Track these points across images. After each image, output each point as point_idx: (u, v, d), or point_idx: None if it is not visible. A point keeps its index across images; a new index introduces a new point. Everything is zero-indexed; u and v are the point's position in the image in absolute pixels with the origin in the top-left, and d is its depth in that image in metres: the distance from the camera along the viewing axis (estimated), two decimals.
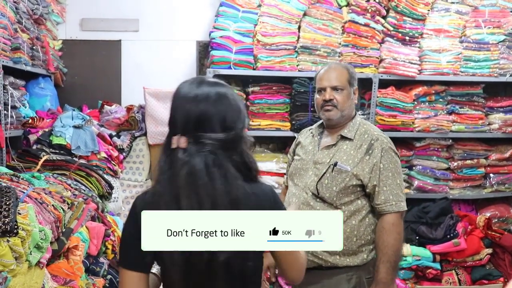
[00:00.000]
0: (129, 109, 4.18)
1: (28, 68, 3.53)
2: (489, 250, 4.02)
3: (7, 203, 1.90)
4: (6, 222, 1.83)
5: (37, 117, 3.64)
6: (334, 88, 2.49)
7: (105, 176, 3.51)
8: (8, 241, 1.84)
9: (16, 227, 1.88)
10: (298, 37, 4.10)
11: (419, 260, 3.92)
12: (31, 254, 2.00)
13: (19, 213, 1.97)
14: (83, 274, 2.60)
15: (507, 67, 4.33)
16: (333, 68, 2.57)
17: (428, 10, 4.28)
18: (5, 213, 1.86)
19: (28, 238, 1.95)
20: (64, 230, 2.48)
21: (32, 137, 3.49)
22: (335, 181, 2.41)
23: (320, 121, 2.66)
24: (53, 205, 2.45)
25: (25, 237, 1.93)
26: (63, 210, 2.50)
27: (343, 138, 2.49)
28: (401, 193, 2.46)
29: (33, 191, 2.41)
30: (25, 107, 3.59)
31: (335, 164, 2.42)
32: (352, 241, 2.42)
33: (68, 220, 2.58)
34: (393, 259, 2.41)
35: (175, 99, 1.59)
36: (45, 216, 2.31)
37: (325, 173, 2.43)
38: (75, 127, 3.62)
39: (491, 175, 4.41)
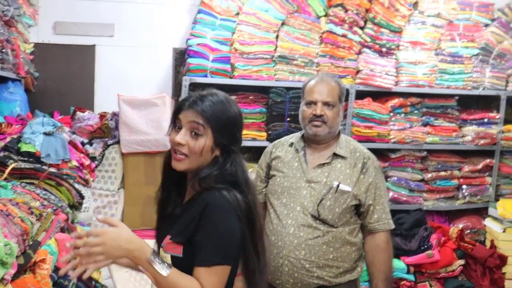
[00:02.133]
0: (102, 116, 4.09)
1: None
2: (462, 262, 4.05)
3: None
4: None
5: (5, 122, 3.52)
6: (326, 104, 2.42)
7: (75, 185, 3.40)
8: None
9: None
10: (276, 47, 4.09)
11: (394, 271, 3.90)
12: None
13: None
14: None
15: (480, 81, 4.42)
16: (325, 82, 2.48)
17: (405, 23, 4.34)
18: None
19: None
20: (31, 243, 2.37)
21: None
22: (337, 202, 2.35)
23: (300, 134, 2.56)
24: (20, 217, 2.34)
25: None
26: (30, 222, 2.39)
27: (336, 155, 2.42)
28: (389, 210, 2.47)
29: None
30: None
31: (338, 186, 2.35)
32: (351, 258, 2.40)
33: (36, 232, 2.48)
34: (389, 276, 2.47)
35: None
36: (11, 229, 2.21)
37: (326, 194, 2.35)
38: (45, 134, 3.49)
39: (464, 186, 4.47)
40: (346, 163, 2.41)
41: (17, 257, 2.16)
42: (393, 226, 2.47)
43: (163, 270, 1.54)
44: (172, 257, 1.63)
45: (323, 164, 2.41)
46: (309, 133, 2.45)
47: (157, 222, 1.87)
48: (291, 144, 2.54)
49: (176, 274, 1.56)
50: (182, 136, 1.66)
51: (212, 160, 1.71)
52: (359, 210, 2.42)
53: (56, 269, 2.67)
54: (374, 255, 2.43)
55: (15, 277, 2.20)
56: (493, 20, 4.55)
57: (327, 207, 2.33)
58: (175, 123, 1.72)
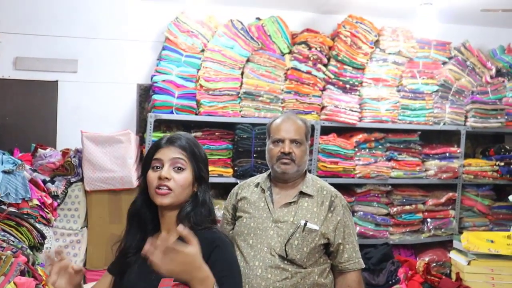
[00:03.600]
0: (65, 153, 4.01)
1: None
2: None
3: None
4: None
5: None
6: (293, 141, 2.41)
7: (37, 225, 3.32)
8: None
9: None
10: (241, 83, 4.12)
11: None
12: None
13: None
14: None
15: (441, 116, 4.52)
16: (292, 120, 2.48)
17: (367, 60, 4.43)
18: None
19: None
20: None
21: None
22: (305, 241, 2.30)
23: (266, 174, 2.54)
24: None
25: None
26: None
27: (303, 194, 2.40)
28: (358, 249, 2.44)
29: None
30: None
31: (305, 225, 2.31)
32: None
33: None
34: None
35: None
36: None
37: (293, 233, 2.30)
38: (4, 172, 3.43)
39: (429, 220, 4.52)
40: (313, 202, 2.39)
41: None
42: (363, 266, 2.44)
43: None
44: None
45: (290, 203, 2.38)
46: (277, 171, 2.42)
47: (118, 269, 1.82)
48: (257, 185, 2.50)
49: None
50: (166, 171, 1.72)
51: (191, 196, 1.76)
52: (328, 250, 2.38)
53: None
54: None
55: None
56: (450, 58, 4.68)
57: (294, 246, 2.29)
58: (151, 164, 1.76)
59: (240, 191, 2.53)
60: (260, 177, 2.54)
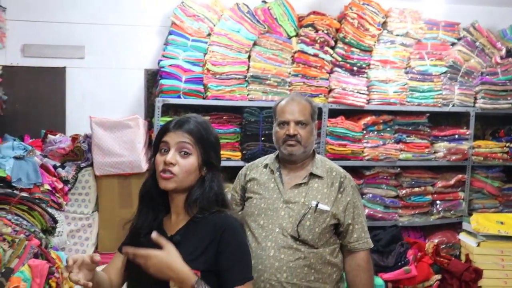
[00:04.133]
0: (74, 138, 4.06)
1: None
2: (438, 276, 4.06)
3: None
4: None
5: None
6: (298, 123, 2.43)
7: (48, 209, 3.37)
8: None
9: None
10: (248, 67, 4.12)
11: None
12: None
13: None
14: None
15: (450, 98, 4.50)
16: (296, 101, 2.49)
17: (375, 42, 4.42)
18: None
19: None
20: (3, 270, 2.35)
21: None
22: (317, 222, 2.34)
23: (274, 155, 2.56)
24: None
25: None
26: (2, 249, 2.35)
27: (313, 175, 2.42)
28: (367, 229, 2.49)
29: None
30: None
31: (316, 205, 2.34)
32: (332, 279, 2.40)
33: (8, 259, 2.44)
34: None
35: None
36: None
37: (305, 214, 2.33)
38: (16, 158, 3.48)
39: (438, 202, 4.53)
40: (323, 183, 2.41)
41: None
42: (372, 245, 2.48)
43: None
44: None
45: (300, 184, 2.41)
46: (284, 153, 2.45)
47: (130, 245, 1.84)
48: (266, 166, 2.52)
49: None
50: (172, 155, 1.72)
51: (198, 180, 1.77)
52: (338, 230, 2.42)
53: None
54: (355, 275, 2.44)
55: None
56: (459, 39, 4.66)
57: (306, 227, 2.32)
58: (159, 147, 1.78)
59: (248, 172, 2.55)
60: (269, 158, 2.57)
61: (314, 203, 2.35)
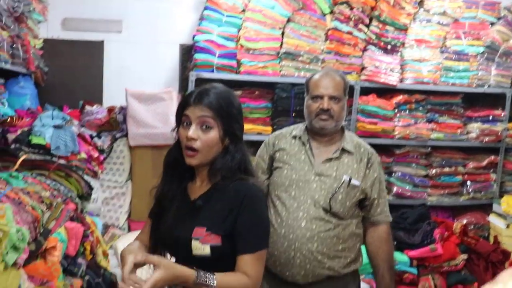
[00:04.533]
0: (110, 110, 4.14)
1: (8, 67, 3.46)
2: (465, 256, 4.04)
3: None
4: None
5: (16, 116, 3.57)
6: (332, 98, 2.42)
7: (84, 176, 3.45)
8: None
9: None
10: (282, 43, 4.12)
11: (397, 264, 3.93)
12: (7, 254, 1.96)
13: None
14: (60, 275, 2.56)
15: (486, 78, 4.43)
16: (330, 76, 2.48)
17: (410, 21, 4.37)
18: None
19: (4, 238, 1.92)
20: (42, 230, 2.43)
21: (10, 136, 3.41)
22: (348, 196, 2.38)
23: (303, 126, 2.56)
24: (31, 206, 2.40)
25: (1, 238, 1.90)
26: (41, 211, 2.45)
27: (344, 151, 2.45)
28: (388, 204, 2.54)
29: (11, 191, 2.37)
30: (4, 106, 3.54)
31: (350, 180, 2.39)
32: (356, 248, 2.46)
33: (46, 221, 2.54)
34: (393, 266, 2.55)
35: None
36: (23, 217, 2.27)
37: (338, 188, 2.37)
38: (55, 127, 3.52)
39: (468, 183, 4.50)
40: (353, 158, 2.44)
41: (28, 243, 2.23)
42: (391, 219, 2.54)
43: (211, 282, 1.65)
44: (212, 246, 1.71)
45: (331, 159, 2.43)
46: (315, 127, 2.45)
47: (159, 215, 1.90)
48: (295, 137, 2.53)
49: (222, 278, 1.67)
50: (193, 131, 1.72)
51: (223, 150, 1.78)
52: (363, 204, 2.46)
53: (66, 256, 2.76)
54: (378, 246, 2.49)
55: (26, 262, 2.28)
56: (499, 18, 4.55)
57: (339, 200, 2.36)
58: (182, 120, 1.78)
59: (277, 142, 2.56)
60: (298, 129, 2.56)
61: (346, 177, 2.38)
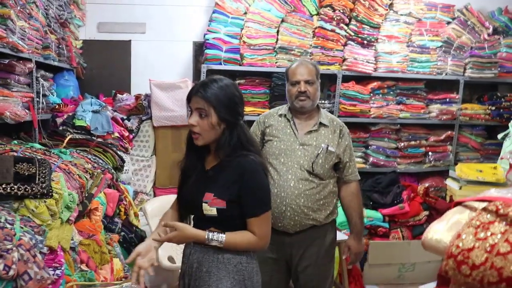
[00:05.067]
0: (137, 97, 4.15)
1: (55, 63, 3.48)
2: (427, 212, 4.10)
3: (43, 171, 1.90)
4: (43, 187, 1.84)
5: (63, 103, 3.61)
6: (307, 82, 2.46)
7: (118, 152, 3.49)
8: (45, 201, 1.85)
9: (51, 191, 1.89)
10: (277, 39, 4.11)
11: (372, 220, 4.00)
12: (62, 212, 2.01)
13: (53, 180, 1.98)
14: (102, 231, 2.62)
15: (443, 68, 4.43)
16: (304, 64, 2.52)
17: (382, 20, 4.35)
18: (42, 179, 1.86)
19: (60, 199, 1.97)
20: (86, 195, 2.49)
21: (59, 120, 3.46)
22: (326, 160, 2.44)
23: (286, 107, 2.59)
24: (78, 175, 2.45)
25: (58, 199, 1.94)
26: (86, 178, 2.49)
27: (321, 124, 2.49)
28: (356, 166, 2.61)
29: (62, 163, 2.41)
30: (53, 95, 3.55)
31: (327, 148, 2.44)
32: (333, 203, 2.52)
33: (89, 187, 2.58)
34: (362, 215, 2.61)
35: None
36: (72, 183, 2.32)
37: (318, 154, 2.43)
38: (93, 111, 3.59)
39: (430, 153, 4.52)
40: (328, 130, 2.49)
41: (77, 204, 2.28)
42: (359, 178, 2.60)
43: (220, 240, 1.72)
44: (218, 208, 1.74)
45: (311, 131, 2.48)
46: (296, 106, 2.50)
47: (181, 182, 1.93)
48: (281, 115, 2.57)
49: (231, 236, 1.74)
50: (193, 119, 1.75)
51: (222, 132, 1.78)
52: (337, 166, 2.52)
53: (105, 216, 2.80)
54: (350, 200, 2.56)
55: (76, 220, 2.33)
56: (453, 18, 4.53)
57: (319, 164, 2.42)
58: (189, 109, 1.81)
59: (266, 120, 2.59)
60: (283, 109, 2.59)
61: (324, 146, 2.43)
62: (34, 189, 1.80)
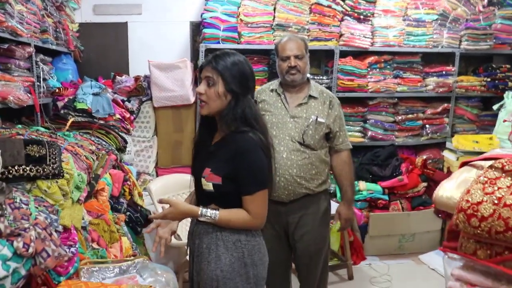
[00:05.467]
0: (136, 78, 4.13)
1: (53, 47, 3.46)
2: (425, 184, 4.18)
3: (54, 153, 1.92)
4: (54, 167, 1.86)
5: (62, 87, 3.60)
6: (296, 56, 2.51)
7: (120, 133, 3.48)
8: (56, 182, 1.87)
9: (62, 171, 1.92)
10: (274, 17, 4.09)
11: (372, 193, 4.06)
12: (73, 193, 2.04)
13: (62, 161, 2.00)
14: (109, 210, 2.65)
15: (439, 41, 4.43)
16: (293, 40, 2.56)
17: None
18: (53, 160, 1.88)
19: (71, 180, 1.99)
20: (93, 175, 2.50)
21: (60, 104, 3.46)
22: (316, 131, 2.50)
23: (277, 82, 2.64)
24: (85, 156, 2.46)
25: (69, 179, 1.96)
26: (93, 159, 2.51)
27: (311, 97, 2.55)
28: (347, 135, 2.69)
29: (69, 145, 2.42)
30: (53, 79, 3.54)
31: (316, 119, 2.50)
32: (325, 172, 2.60)
33: (95, 168, 2.60)
34: (353, 183, 2.71)
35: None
36: (79, 164, 2.32)
37: (308, 125, 2.49)
38: (94, 94, 3.56)
39: (427, 126, 4.55)
40: (318, 102, 2.55)
41: (86, 185, 2.31)
42: (351, 146, 2.67)
43: (212, 217, 1.76)
44: (214, 184, 1.78)
45: (301, 104, 2.54)
46: (287, 80, 2.55)
47: (194, 158, 1.97)
48: (272, 90, 2.62)
49: (224, 214, 1.77)
50: (201, 86, 1.81)
51: (228, 104, 1.80)
52: (328, 136, 2.59)
53: (111, 197, 2.83)
54: (341, 168, 2.64)
55: (85, 200, 2.36)
56: None
57: (309, 135, 2.49)
58: (198, 79, 1.84)
59: (259, 95, 2.64)
60: (274, 84, 2.65)
61: (314, 117, 2.50)
62: (45, 170, 1.82)
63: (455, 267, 1.33)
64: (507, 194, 1.21)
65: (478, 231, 1.24)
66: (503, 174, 1.27)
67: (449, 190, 1.41)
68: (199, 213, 1.77)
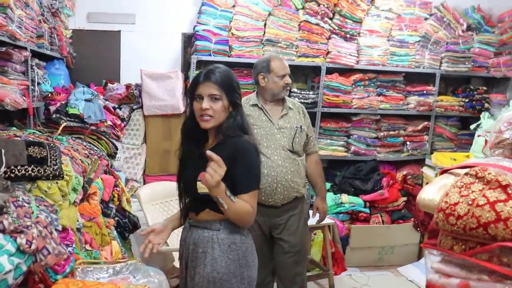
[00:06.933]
0: (128, 86, 4.16)
1: (48, 52, 3.48)
2: (405, 198, 4.29)
3: (54, 154, 1.96)
4: (55, 169, 1.90)
5: (55, 92, 3.61)
6: (290, 76, 2.80)
7: (111, 140, 3.51)
8: (57, 183, 1.91)
9: (62, 173, 1.96)
10: (264, 32, 4.17)
11: (354, 206, 4.16)
12: (70, 194, 2.07)
13: (62, 163, 2.04)
14: (101, 214, 2.67)
15: (421, 61, 4.56)
16: (283, 59, 2.84)
17: (364, 15, 4.44)
18: (54, 162, 1.92)
19: (70, 181, 2.03)
20: (87, 179, 2.53)
21: (52, 108, 3.45)
22: (301, 138, 2.75)
23: (254, 96, 2.82)
24: (80, 159, 2.50)
25: (68, 180, 2.01)
26: (88, 163, 2.54)
27: (289, 108, 2.78)
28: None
29: (65, 148, 2.46)
30: (47, 84, 3.56)
31: (301, 127, 2.74)
32: (304, 174, 2.84)
33: (88, 172, 2.63)
34: (324, 179, 3.01)
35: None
36: (75, 168, 2.35)
37: (295, 134, 2.72)
38: (86, 100, 3.55)
39: (408, 142, 4.65)
40: (295, 112, 2.81)
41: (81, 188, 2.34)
42: (318, 149, 3.01)
43: (233, 199, 1.78)
44: None
45: (283, 115, 2.77)
46: (281, 95, 2.78)
47: (180, 169, 1.99)
48: (253, 105, 2.78)
49: (239, 201, 1.81)
50: (206, 103, 1.83)
51: (228, 115, 1.88)
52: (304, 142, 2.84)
53: (101, 201, 2.84)
54: (314, 168, 2.93)
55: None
56: (431, 15, 4.64)
57: (297, 142, 2.74)
58: (195, 96, 1.87)
59: None
60: (252, 99, 2.81)
61: (298, 125, 2.76)
62: (46, 171, 1.86)
63: (435, 261, 1.53)
64: (479, 196, 1.42)
65: (455, 228, 1.44)
66: (477, 180, 1.49)
67: (431, 193, 1.60)
68: (225, 190, 1.74)
